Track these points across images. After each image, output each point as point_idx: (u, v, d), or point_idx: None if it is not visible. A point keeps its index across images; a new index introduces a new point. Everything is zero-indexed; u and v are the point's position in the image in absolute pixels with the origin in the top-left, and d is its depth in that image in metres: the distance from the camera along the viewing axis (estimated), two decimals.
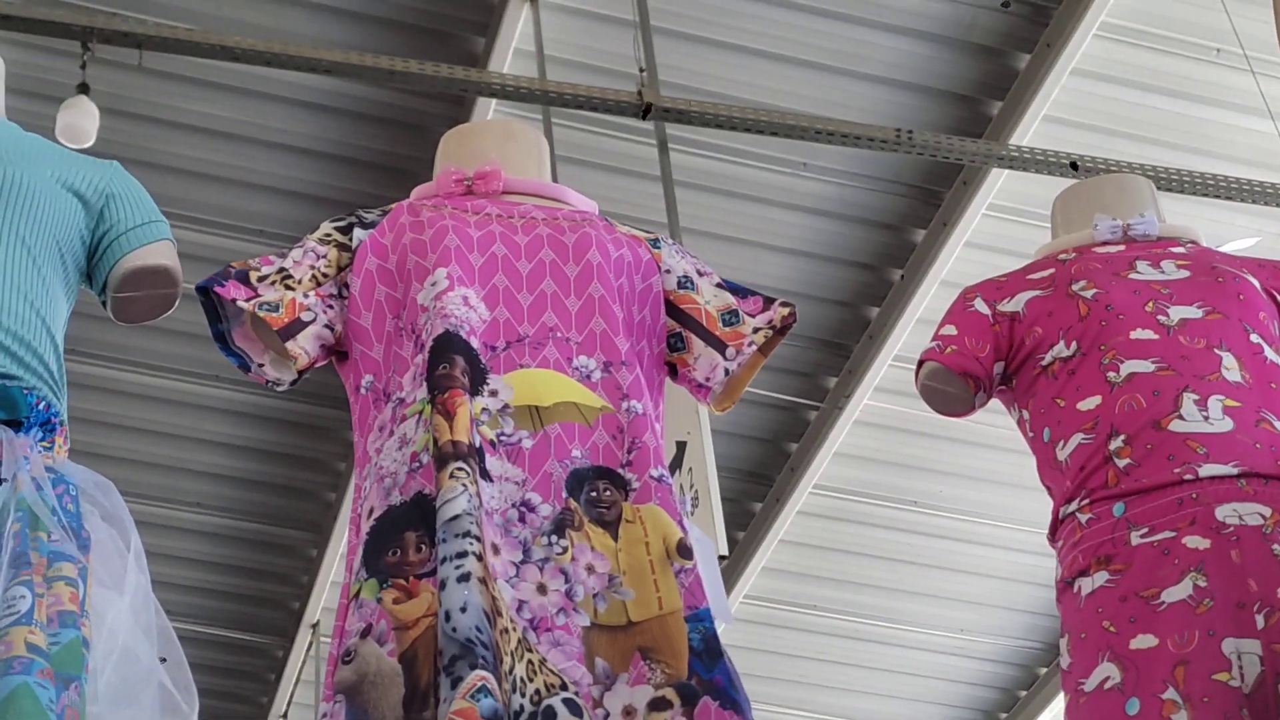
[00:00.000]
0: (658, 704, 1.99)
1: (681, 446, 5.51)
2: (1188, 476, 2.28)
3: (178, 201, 5.62)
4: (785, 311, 2.39)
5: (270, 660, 8.08)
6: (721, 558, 5.33)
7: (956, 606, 7.69)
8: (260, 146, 6.01)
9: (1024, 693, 8.11)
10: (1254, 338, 2.43)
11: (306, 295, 2.25)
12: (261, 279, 2.26)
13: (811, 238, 6.40)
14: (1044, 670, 7.86)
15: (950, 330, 2.55)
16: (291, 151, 6.03)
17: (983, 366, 2.52)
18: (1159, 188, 5.36)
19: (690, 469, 5.42)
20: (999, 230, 6.20)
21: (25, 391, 2.08)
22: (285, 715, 8.06)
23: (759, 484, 7.23)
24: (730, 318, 2.38)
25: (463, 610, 1.90)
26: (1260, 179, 5.71)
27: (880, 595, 7.72)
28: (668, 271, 2.39)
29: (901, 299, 6.41)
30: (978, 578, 7.49)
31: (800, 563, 7.57)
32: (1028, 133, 5.86)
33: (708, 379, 2.36)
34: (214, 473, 7.16)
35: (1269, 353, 2.43)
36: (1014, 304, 2.55)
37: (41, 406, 2.09)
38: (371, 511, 2.11)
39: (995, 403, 2.63)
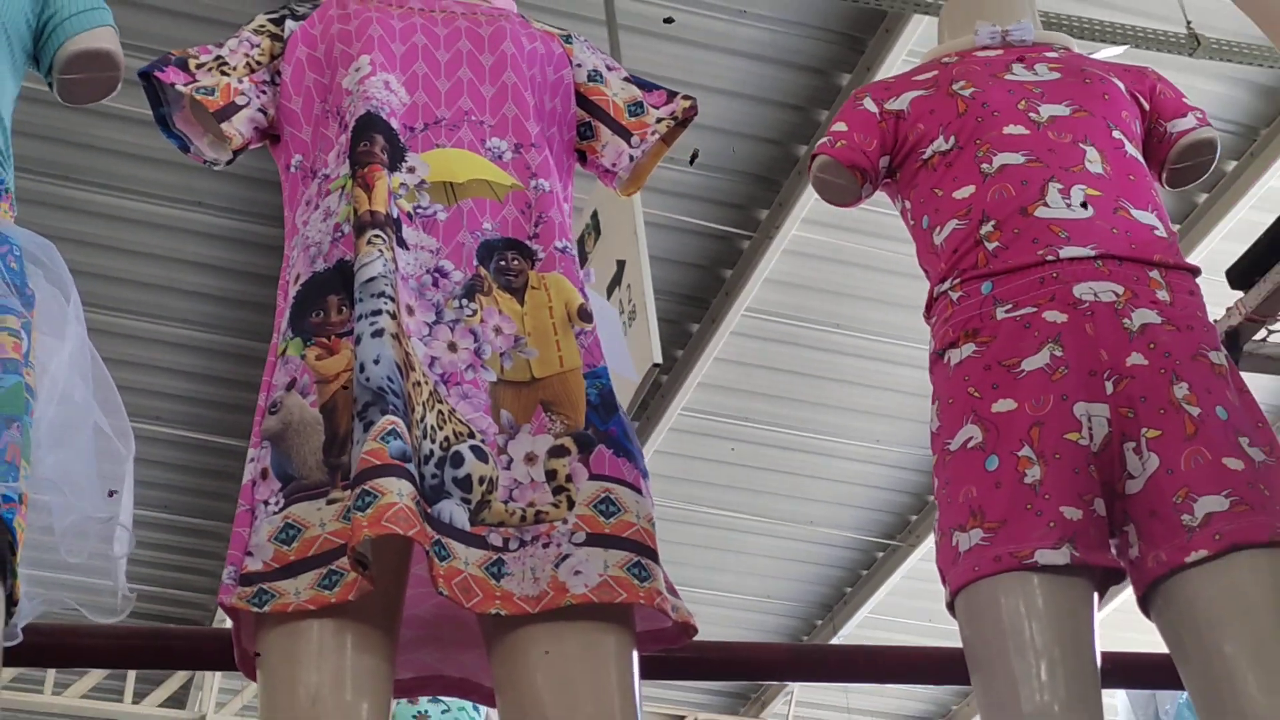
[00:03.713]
0: (557, 451, 1.98)
1: (621, 265, 5.47)
2: (1049, 257, 2.26)
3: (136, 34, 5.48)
4: (687, 104, 2.35)
5: None
6: (657, 366, 5.36)
7: (872, 419, 7.73)
8: None
9: (932, 497, 8.15)
10: (1116, 134, 2.40)
11: (241, 81, 2.21)
12: (199, 66, 2.22)
13: (747, 80, 6.30)
14: None
15: (841, 127, 2.51)
16: None
17: (869, 159, 2.48)
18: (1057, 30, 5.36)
19: (629, 285, 5.39)
20: None
21: None
22: None
23: (696, 307, 7.21)
24: (636, 109, 2.33)
25: (376, 362, 1.88)
26: (1151, 25, 5.72)
27: (804, 408, 7.75)
28: (578, 65, 2.35)
29: None
30: (892, 393, 7.51)
31: (733, 378, 7.57)
32: None
33: (614, 165, 2.33)
34: (200, 291, 7.08)
35: (1129, 148, 2.40)
36: (899, 103, 2.51)
37: None
38: (298, 278, 2.08)
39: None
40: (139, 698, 9.60)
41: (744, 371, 7.54)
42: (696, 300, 7.18)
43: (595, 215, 5.59)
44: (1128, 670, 2.60)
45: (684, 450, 7.93)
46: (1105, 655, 2.18)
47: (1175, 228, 6.82)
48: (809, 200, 6.51)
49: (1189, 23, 5.73)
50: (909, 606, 8.81)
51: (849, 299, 7.12)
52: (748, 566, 8.82)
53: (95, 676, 9.29)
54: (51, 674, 9.26)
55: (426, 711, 4.33)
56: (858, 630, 9.01)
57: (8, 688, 9.05)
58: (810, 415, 7.78)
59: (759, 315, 7.20)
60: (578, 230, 5.63)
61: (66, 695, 9.29)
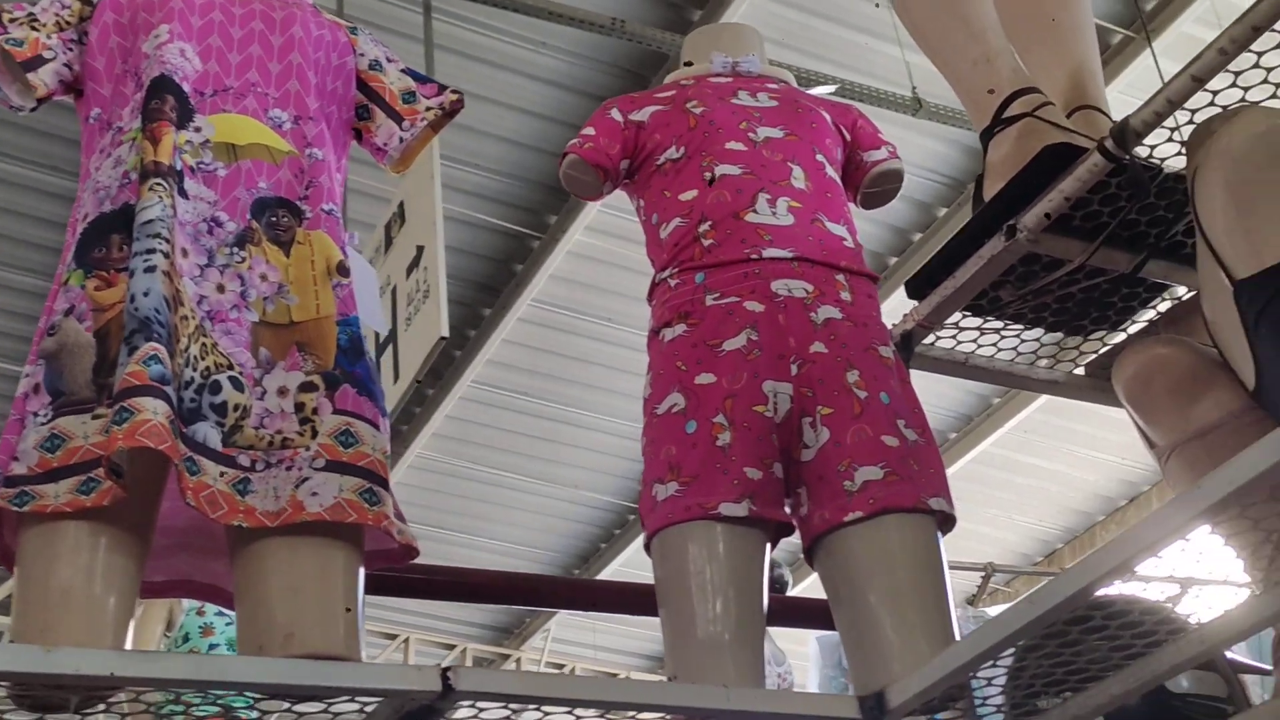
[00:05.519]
0: (306, 386, 1.91)
1: (420, 250, 5.36)
2: (754, 256, 2.25)
3: None
4: (454, 97, 2.29)
5: None
6: (444, 339, 5.25)
7: (632, 401, 7.62)
8: None
9: None
10: (819, 157, 2.41)
11: (49, 37, 2.09)
12: (12, 20, 2.10)
13: (544, 103, 6.24)
14: None
15: (590, 131, 2.48)
16: None
17: (611, 161, 2.45)
18: (809, 87, 5.43)
19: (425, 267, 5.28)
20: None
21: None
22: None
23: (490, 295, 7.12)
24: (409, 97, 2.27)
25: (145, 294, 1.79)
26: (882, 87, 5.82)
27: (576, 388, 7.72)
28: (361, 55, 2.27)
29: None
30: None
31: (518, 358, 7.50)
32: None
33: (386, 144, 2.26)
34: (46, 245, 6.75)
35: (829, 170, 2.41)
36: (641, 115, 2.48)
37: None
38: (86, 217, 1.97)
39: None
40: None
41: (527, 353, 7.49)
42: (490, 289, 7.10)
43: (401, 205, 5.48)
44: (793, 612, 2.63)
45: (471, 417, 7.84)
46: (775, 598, 2.19)
47: (893, 260, 7.01)
48: (592, 210, 6.48)
49: (914, 88, 5.84)
50: None
51: (620, 296, 7.10)
52: (519, 520, 8.77)
53: None
54: None
55: (212, 624, 4.17)
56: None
57: None
58: (581, 394, 7.76)
59: (543, 306, 7.15)
60: (385, 218, 5.51)
61: None
